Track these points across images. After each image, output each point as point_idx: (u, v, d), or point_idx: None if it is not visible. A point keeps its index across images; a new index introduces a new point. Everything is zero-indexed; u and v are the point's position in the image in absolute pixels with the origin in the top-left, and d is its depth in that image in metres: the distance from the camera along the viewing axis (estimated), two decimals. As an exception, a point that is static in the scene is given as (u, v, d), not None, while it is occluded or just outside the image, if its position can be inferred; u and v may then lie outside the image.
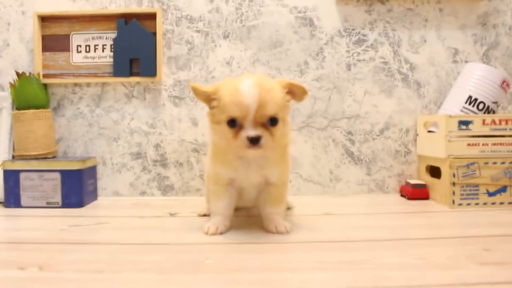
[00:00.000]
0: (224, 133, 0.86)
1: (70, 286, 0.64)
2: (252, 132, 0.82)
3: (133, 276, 0.69)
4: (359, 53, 1.35)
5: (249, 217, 1.08)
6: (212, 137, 0.93)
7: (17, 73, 1.26)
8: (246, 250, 0.82)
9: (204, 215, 1.08)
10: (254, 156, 0.88)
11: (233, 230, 0.94)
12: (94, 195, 1.30)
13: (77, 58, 1.33)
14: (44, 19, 1.33)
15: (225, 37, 1.34)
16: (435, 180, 1.24)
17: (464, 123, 1.15)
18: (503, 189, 1.15)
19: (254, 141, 0.82)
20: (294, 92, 0.89)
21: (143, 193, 1.36)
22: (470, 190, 1.15)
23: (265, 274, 0.69)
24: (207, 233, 0.91)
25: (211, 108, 0.88)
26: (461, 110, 1.23)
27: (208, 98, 0.88)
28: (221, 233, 0.91)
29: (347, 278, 0.67)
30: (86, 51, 1.33)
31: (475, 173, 1.15)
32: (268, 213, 0.95)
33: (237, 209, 1.06)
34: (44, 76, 1.32)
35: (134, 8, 1.32)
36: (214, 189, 0.94)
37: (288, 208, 1.16)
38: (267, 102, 0.82)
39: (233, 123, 0.84)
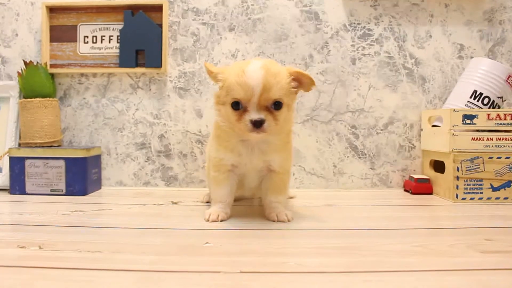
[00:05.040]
0: (228, 115, 0.87)
1: (68, 264, 0.65)
2: (255, 116, 0.83)
3: (131, 257, 0.69)
4: (364, 47, 1.35)
5: (250, 207, 1.09)
6: (216, 118, 0.93)
7: (25, 62, 1.28)
8: (246, 235, 0.83)
9: (207, 202, 1.09)
10: (257, 140, 0.88)
11: (234, 218, 0.95)
12: (98, 184, 1.31)
13: (84, 48, 1.35)
14: (52, 10, 1.35)
15: (231, 29, 1.34)
16: (438, 174, 1.23)
17: (469, 118, 1.15)
18: (508, 184, 1.14)
19: (257, 125, 0.82)
20: (301, 81, 0.89)
21: (146, 184, 1.36)
22: (474, 184, 1.14)
23: (264, 257, 0.69)
24: (208, 220, 0.91)
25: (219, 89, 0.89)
26: (466, 105, 1.22)
27: (215, 79, 0.89)
28: (221, 220, 0.91)
29: (345, 262, 0.67)
30: (93, 42, 1.35)
31: (479, 168, 1.14)
32: (270, 201, 0.95)
33: (238, 200, 1.07)
34: (51, 66, 1.34)
35: (140, 0, 1.33)
36: (216, 175, 0.94)
37: (290, 198, 1.16)
38: (272, 85, 0.82)
39: (237, 106, 0.84)
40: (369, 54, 1.35)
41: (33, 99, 1.26)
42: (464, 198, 1.14)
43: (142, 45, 1.31)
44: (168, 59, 1.34)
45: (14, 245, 0.73)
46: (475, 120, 1.14)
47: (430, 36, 1.35)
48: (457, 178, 1.14)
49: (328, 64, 1.34)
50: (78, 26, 1.35)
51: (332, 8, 1.34)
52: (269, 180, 0.95)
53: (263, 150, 0.91)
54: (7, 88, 1.32)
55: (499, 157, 1.14)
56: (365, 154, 1.35)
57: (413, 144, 1.36)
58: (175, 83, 1.35)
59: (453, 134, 1.14)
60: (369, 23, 1.35)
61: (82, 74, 1.36)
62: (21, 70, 1.29)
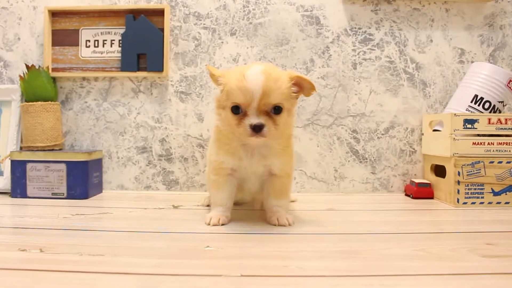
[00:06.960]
0: (228, 119, 0.87)
1: (69, 267, 0.65)
2: (255, 120, 0.83)
3: (132, 260, 0.69)
4: (365, 52, 1.35)
5: (251, 211, 1.08)
6: (216, 122, 0.93)
7: (27, 66, 1.28)
8: (247, 239, 0.82)
9: (208, 205, 1.09)
10: (257, 144, 0.88)
11: (235, 222, 0.95)
12: (99, 188, 1.31)
13: (85, 52, 1.35)
14: (55, 14, 1.35)
15: (232, 34, 1.35)
16: (439, 179, 1.23)
17: (470, 122, 1.15)
18: (509, 188, 1.14)
19: (257, 129, 0.82)
20: (302, 86, 0.88)
21: (148, 187, 1.36)
22: (475, 189, 1.14)
23: (265, 261, 0.69)
24: (208, 224, 0.91)
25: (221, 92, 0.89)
26: (467, 109, 1.22)
27: (217, 82, 0.89)
28: (222, 224, 0.91)
29: (346, 266, 0.67)
30: (94, 46, 1.35)
31: (480, 172, 1.14)
32: (271, 205, 0.95)
33: (238, 204, 1.07)
34: (53, 69, 1.35)
35: (142, 4, 1.34)
36: (216, 179, 0.94)
37: (292, 201, 1.16)
38: (272, 90, 0.82)
39: (237, 110, 0.84)
40: (370, 59, 1.35)
41: (35, 103, 1.26)
42: (465, 203, 1.14)
43: (143, 49, 1.32)
44: (169, 63, 1.34)
45: (15, 248, 0.73)
46: (476, 125, 1.15)
47: (431, 40, 1.35)
48: (458, 182, 1.14)
49: (329, 69, 1.35)
50: (80, 30, 1.35)
51: (333, 12, 1.35)
52: (270, 184, 0.95)
53: (263, 154, 0.91)
54: (9, 92, 1.33)
55: (500, 162, 1.14)
56: (366, 159, 1.35)
57: (414, 149, 1.36)
58: (176, 87, 1.36)
59: (454, 138, 1.15)
60: (370, 28, 1.35)
61: (83, 78, 1.37)
62: (23, 73, 1.29)
